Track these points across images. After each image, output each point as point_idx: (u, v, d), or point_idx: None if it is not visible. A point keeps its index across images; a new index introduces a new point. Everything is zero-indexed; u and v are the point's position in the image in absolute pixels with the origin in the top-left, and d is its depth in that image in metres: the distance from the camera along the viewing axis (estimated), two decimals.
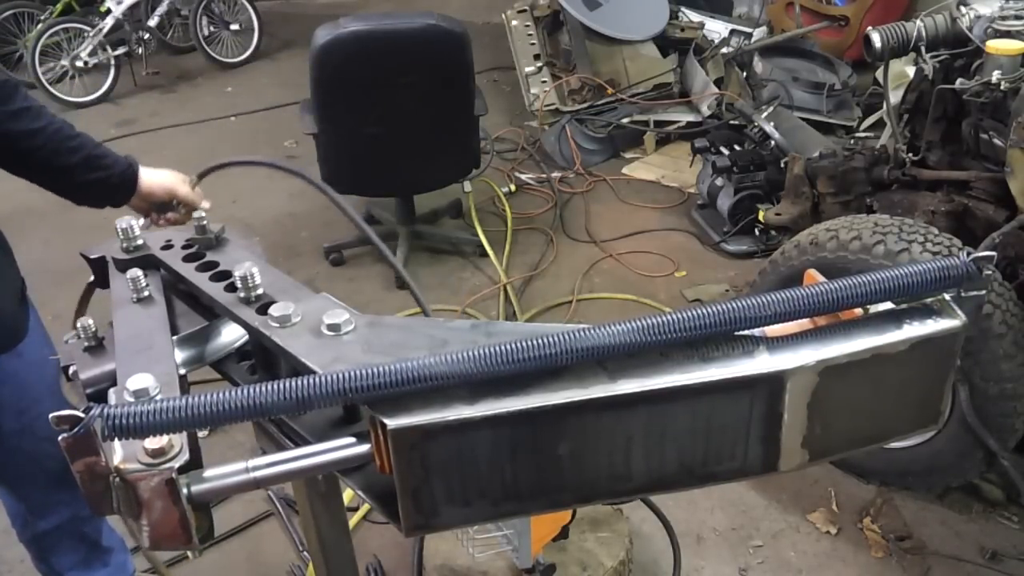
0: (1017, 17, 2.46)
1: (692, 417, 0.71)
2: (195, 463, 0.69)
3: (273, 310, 0.82)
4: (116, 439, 0.62)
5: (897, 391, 0.77)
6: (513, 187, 4.44)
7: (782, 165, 3.55)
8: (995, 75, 2.35)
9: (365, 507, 2.44)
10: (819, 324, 0.75)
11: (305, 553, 2.32)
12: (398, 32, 3.20)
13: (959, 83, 2.45)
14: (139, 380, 0.72)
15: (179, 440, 0.67)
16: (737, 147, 3.94)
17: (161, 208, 1.50)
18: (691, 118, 4.79)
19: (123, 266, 1.02)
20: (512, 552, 1.94)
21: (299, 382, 0.64)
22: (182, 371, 0.87)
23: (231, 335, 0.96)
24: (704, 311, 0.68)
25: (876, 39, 2.60)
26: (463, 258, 3.87)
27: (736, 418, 0.71)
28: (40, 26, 5.90)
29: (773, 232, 3.48)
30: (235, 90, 6.31)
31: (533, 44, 5.17)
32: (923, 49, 2.58)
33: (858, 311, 0.76)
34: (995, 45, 2.38)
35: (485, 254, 3.79)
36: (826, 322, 0.75)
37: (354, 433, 0.73)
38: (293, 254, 3.91)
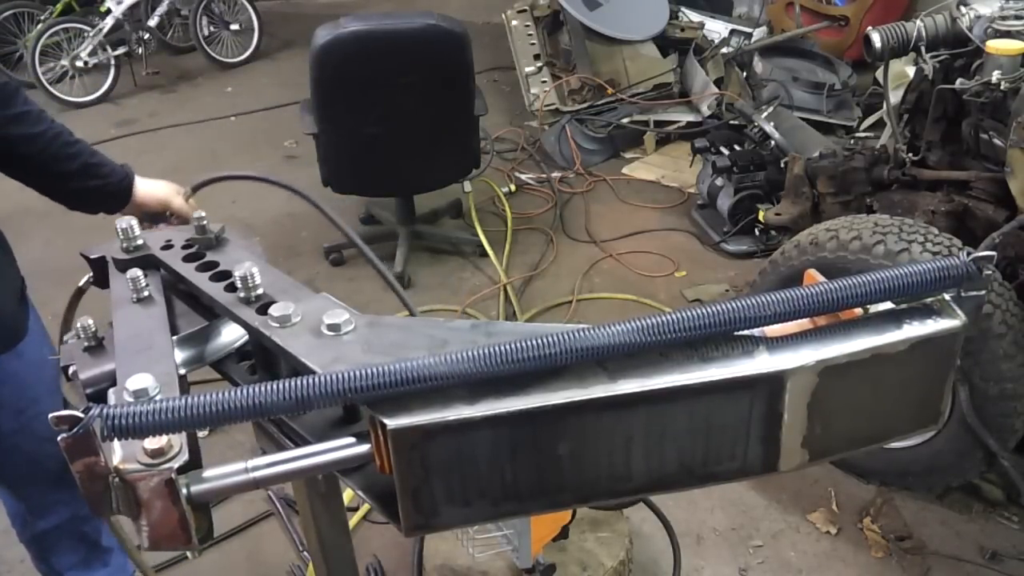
0: (1017, 17, 2.47)
1: (692, 417, 0.71)
2: (195, 463, 0.69)
3: (273, 310, 0.82)
4: (115, 439, 0.62)
5: (897, 391, 0.77)
6: (513, 187, 4.44)
7: (782, 165, 3.56)
8: (995, 75, 2.35)
9: (365, 507, 2.44)
10: (819, 324, 0.75)
11: (305, 553, 2.32)
12: (398, 32, 3.20)
13: (959, 83, 2.45)
14: (139, 380, 0.72)
15: (178, 440, 0.67)
16: (737, 147, 3.94)
17: (154, 219, 1.51)
18: (691, 118, 4.79)
19: (123, 266, 1.01)
20: (512, 552, 1.94)
21: (299, 382, 0.64)
22: (182, 371, 0.87)
23: (231, 335, 0.96)
24: (704, 311, 0.68)
25: (876, 39, 2.61)
26: (463, 258, 3.88)
27: (736, 418, 0.71)
28: (40, 26, 5.90)
29: (773, 232, 3.48)
30: (235, 90, 6.31)
31: (533, 44, 5.17)
32: (923, 49, 2.58)
33: (858, 311, 0.76)
34: (995, 45, 2.38)
35: (485, 254, 3.79)
36: (826, 322, 0.75)
37: (354, 433, 0.73)
38: (293, 254, 3.91)
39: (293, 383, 0.64)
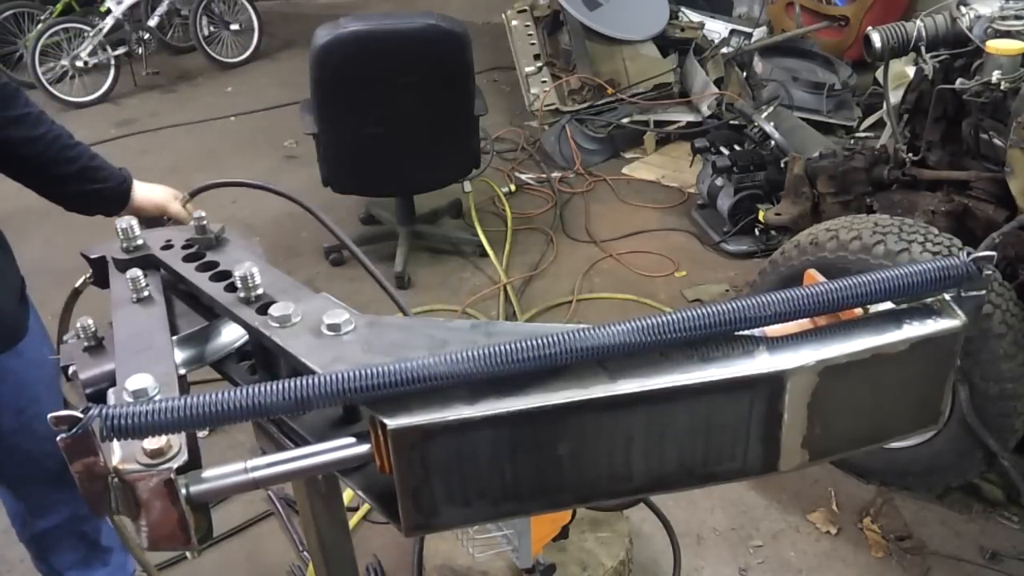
0: (1017, 17, 2.47)
1: (692, 417, 0.71)
2: (194, 463, 0.69)
3: (273, 310, 0.82)
4: (115, 439, 0.62)
5: (897, 391, 0.77)
6: (513, 187, 4.44)
7: (782, 165, 3.56)
8: (995, 75, 2.35)
9: (365, 507, 2.44)
10: (819, 324, 0.75)
11: (305, 553, 2.32)
12: (398, 32, 3.20)
13: (959, 83, 2.45)
14: (138, 380, 0.72)
15: (178, 440, 0.67)
16: (737, 147, 3.94)
17: (151, 223, 1.51)
18: (691, 118, 4.79)
19: (123, 266, 1.01)
20: (512, 552, 1.94)
21: (299, 382, 0.64)
22: (182, 371, 0.87)
23: (231, 335, 0.96)
24: (704, 311, 0.68)
25: (876, 39, 2.61)
26: (463, 258, 3.88)
27: (736, 418, 0.71)
28: (40, 26, 5.90)
29: (773, 232, 3.48)
30: (235, 90, 6.31)
31: (533, 44, 5.17)
32: (923, 49, 2.58)
33: (858, 311, 0.76)
34: (995, 45, 2.38)
35: (485, 254, 3.79)
36: (826, 322, 0.75)
37: (354, 433, 0.73)
38: (293, 254, 3.91)
39: (293, 383, 0.64)
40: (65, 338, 0.94)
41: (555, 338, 0.66)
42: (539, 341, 0.66)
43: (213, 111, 5.78)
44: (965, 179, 2.56)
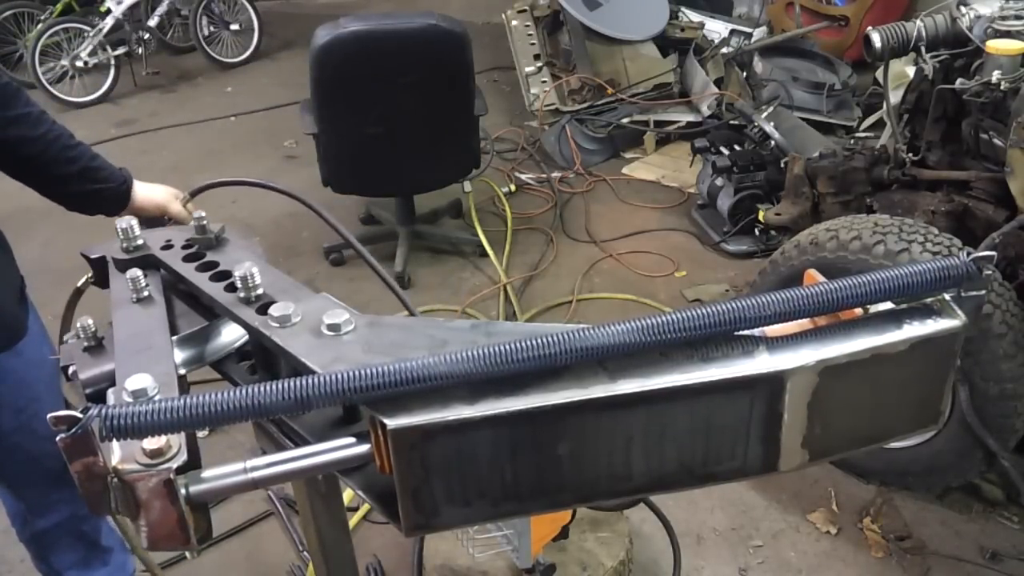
0: (1017, 17, 2.47)
1: (692, 417, 0.71)
2: (193, 464, 0.69)
3: (273, 310, 0.82)
4: (114, 439, 0.62)
5: (897, 391, 0.77)
6: (513, 187, 4.44)
7: (782, 165, 3.56)
8: (995, 75, 2.35)
9: (365, 507, 2.44)
10: (819, 324, 0.75)
11: (305, 553, 2.32)
12: (398, 32, 3.20)
13: (959, 83, 2.45)
14: (138, 380, 0.72)
15: (177, 440, 0.67)
16: (737, 147, 3.94)
17: (151, 222, 1.51)
18: (691, 118, 4.79)
19: (123, 266, 1.01)
20: (512, 552, 1.94)
21: (299, 382, 0.64)
22: (181, 371, 0.87)
23: (231, 335, 0.96)
24: (704, 311, 0.68)
25: (876, 39, 2.61)
26: (463, 258, 3.88)
27: (736, 418, 0.71)
28: (40, 26, 5.90)
29: (773, 232, 3.48)
30: (235, 90, 6.31)
31: (533, 44, 5.17)
32: (923, 49, 2.58)
33: (858, 311, 0.76)
34: (995, 45, 2.38)
35: (485, 254, 3.79)
36: (826, 322, 0.75)
37: (354, 433, 0.73)
38: (293, 254, 3.91)
39: (293, 383, 0.64)
40: (65, 338, 0.94)
41: (555, 338, 0.66)
42: (539, 341, 0.66)
43: (213, 111, 5.78)
44: (965, 179, 2.56)
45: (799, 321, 0.73)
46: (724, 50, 5.09)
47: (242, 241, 1.07)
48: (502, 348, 0.66)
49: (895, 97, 2.92)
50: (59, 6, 6.28)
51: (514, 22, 5.27)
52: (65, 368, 0.89)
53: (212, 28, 6.66)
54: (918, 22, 2.59)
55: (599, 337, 0.67)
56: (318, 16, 4.93)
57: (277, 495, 2.53)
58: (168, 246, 1.05)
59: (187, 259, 1.02)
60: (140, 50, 6.40)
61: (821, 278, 0.77)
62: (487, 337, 0.75)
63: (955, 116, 2.62)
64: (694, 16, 5.50)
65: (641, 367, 0.69)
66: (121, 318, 0.91)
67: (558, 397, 0.67)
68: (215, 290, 0.93)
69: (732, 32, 5.44)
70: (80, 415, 0.60)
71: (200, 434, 1.16)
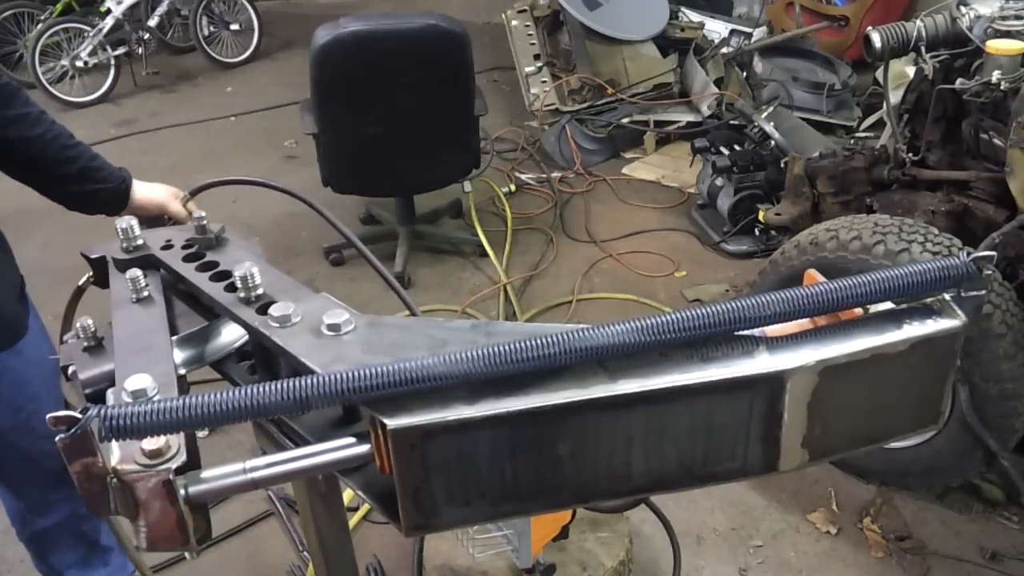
0: (1017, 17, 2.47)
1: (692, 417, 0.71)
2: (193, 464, 0.69)
3: (273, 310, 0.82)
4: (113, 440, 0.62)
5: (897, 391, 0.77)
6: (513, 187, 4.44)
7: (782, 165, 3.55)
8: (995, 75, 2.35)
9: (365, 507, 2.44)
10: (819, 324, 0.75)
11: (305, 553, 2.32)
12: (398, 32, 3.20)
13: (959, 83, 2.45)
14: (137, 380, 0.72)
15: (177, 441, 0.67)
16: (737, 147, 3.94)
17: (151, 222, 1.51)
18: (691, 118, 4.79)
19: (123, 266, 1.01)
20: (512, 552, 1.94)
21: (299, 382, 0.64)
22: (181, 371, 0.87)
23: (231, 335, 0.96)
24: (704, 311, 0.68)
25: (876, 39, 2.60)
26: (463, 258, 3.87)
27: (736, 418, 0.71)
28: (40, 26, 5.90)
29: (773, 232, 3.48)
30: (235, 90, 6.31)
31: (533, 44, 5.17)
32: (923, 49, 2.58)
33: (858, 311, 0.76)
34: (995, 45, 2.38)
35: (485, 254, 3.79)
36: (826, 322, 0.75)
37: (354, 433, 0.73)
38: (293, 254, 3.91)
39: (293, 383, 0.64)
40: (65, 338, 0.94)
41: (555, 338, 0.66)
42: (539, 341, 0.66)
43: (213, 111, 5.78)
44: (965, 179, 2.56)
45: (799, 321, 0.73)
46: (724, 50, 5.09)
47: (242, 241, 1.07)
48: (502, 348, 0.66)
49: (895, 97, 2.92)
50: (59, 6, 6.28)
51: (514, 22, 5.27)
52: (65, 368, 0.88)
53: (212, 28, 6.66)
54: (918, 22, 2.59)
55: (599, 337, 0.67)
56: (318, 16, 4.93)
57: (277, 495, 2.53)
58: (168, 246, 1.05)
59: (187, 259, 1.02)
60: (140, 50, 6.40)
61: (821, 278, 0.77)
62: (487, 337, 0.75)
63: (955, 116, 2.62)
64: (694, 16, 5.49)
65: (641, 367, 0.69)
66: (121, 318, 0.91)
67: (558, 397, 0.67)
68: (215, 290, 0.93)
69: (732, 32, 5.44)
70: (79, 415, 0.60)
71: (200, 434, 1.16)
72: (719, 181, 3.83)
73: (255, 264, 0.90)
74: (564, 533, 2.00)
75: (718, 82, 4.79)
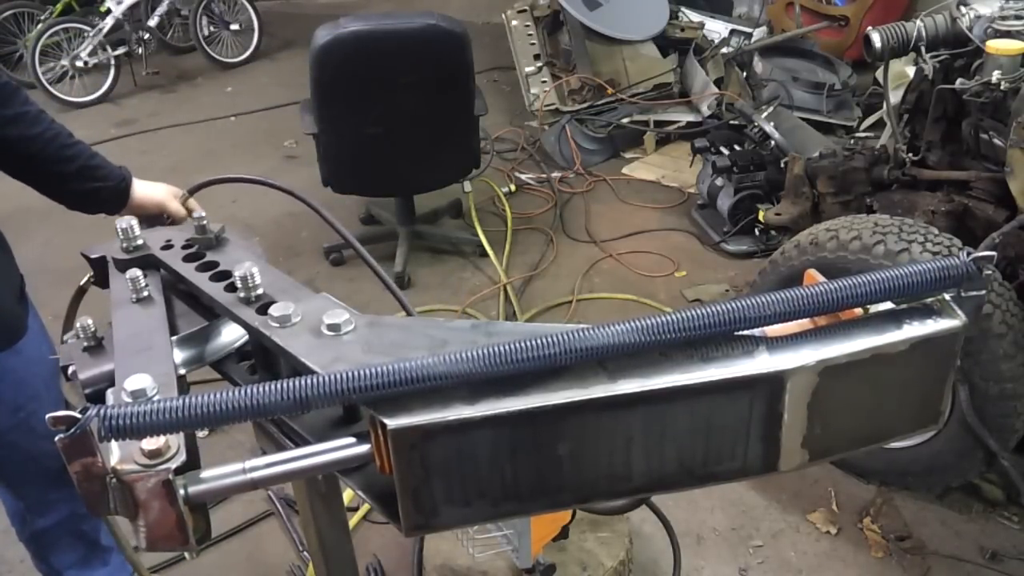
0: (1017, 17, 2.46)
1: (692, 417, 0.71)
2: (192, 464, 0.69)
3: (273, 310, 0.82)
4: (113, 440, 0.62)
5: (897, 391, 0.77)
6: (513, 187, 4.44)
7: (782, 165, 3.55)
8: (995, 75, 2.35)
9: (365, 507, 2.44)
10: (819, 324, 0.75)
11: (305, 553, 2.32)
12: (398, 32, 3.20)
13: (959, 83, 2.45)
14: (137, 380, 0.72)
15: (176, 441, 0.67)
16: (737, 147, 3.94)
17: (151, 220, 1.51)
18: (691, 118, 4.79)
19: (123, 266, 1.01)
20: (512, 552, 1.94)
21: (299, 382, 0.64)
22: (181, 371, 0.87)
23: (231, 335, 0.96)
24: (704, 311, 0.68)
25: (876, 39, 2.60)
26: (463, 258, 3.87)
27: (736, 418, 0.71)
28: (40, 26, 5.90)
29: (773, 232, 3.48)
30: (235, 90, 6.31)
31: (533, 44, 5.17)
32: (923, 49, 2.58)
33: (858, 311, 0.76)
34: (995, 45, 2.38)
35: (485, 254, 3.79)
36: (826, 322, 0.75)
37: (354, 433, 0.73)
38: (293, 254, 3.91)
39: (293, 383, 0.64)
40: (65, 338, 0.94)
41: (555, 338, 0.66)
42: (539, 341, 0.66)
43: (213, 111, 5.78)
44: (965, 179, 2.56)
45: (799, 321, 0.73)
46: (724, 50, 5.09)
47: (242, 241, 1.07)
48: (502, 348, 0.66)
49: (895, 97, 2.92)
50: (59, 6, 6.28)
51: (514, 22, 5.27)
52: (65, 368, 0.88)
53: (212, 28, 6.66)
54: (918, 22, 2.59)
55: (599, 337, 0.67)
56: (318, 16, 4.93)
57: (277, 495, 2.53)
58: (168, 246, 1.05)
59: (187, 259, 1.02)
60: (140, 50, 6.40)
61: (821, 278, 0.77)
62: (487, 337, 0.75)
63: (955, 116, 2.62)
64: (694, 16, 5.49)
65: (641, 367, 0.69)
66: (121, 318, 0.91)
67: (558, 397, 0.67)
68: (215, 290, 0.93)
69: (732, 32, 5.44)
70: (79, 415, 0.60)
71: (200, 434, 1.16)
72: (719, 181, 3.83)
73: (255, 264, 0.90)
74: (564, 533, 2.00)
75: (718, 82, 4.79)
